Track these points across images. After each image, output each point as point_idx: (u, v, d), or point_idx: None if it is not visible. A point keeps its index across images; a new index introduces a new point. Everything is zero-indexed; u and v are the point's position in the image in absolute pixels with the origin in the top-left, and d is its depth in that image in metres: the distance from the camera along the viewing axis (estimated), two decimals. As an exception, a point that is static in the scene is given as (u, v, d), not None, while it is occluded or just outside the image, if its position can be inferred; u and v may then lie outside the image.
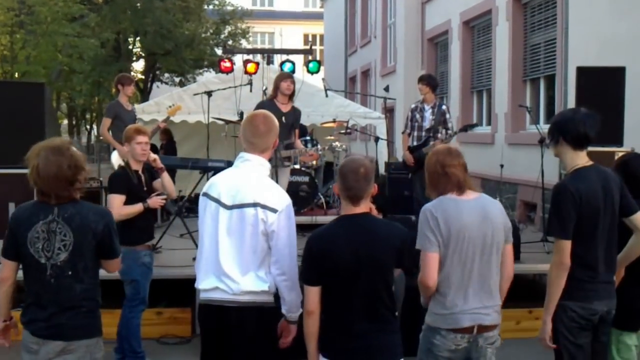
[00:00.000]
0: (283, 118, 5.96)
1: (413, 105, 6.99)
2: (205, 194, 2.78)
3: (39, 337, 2.59)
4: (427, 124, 6.77)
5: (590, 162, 2.97)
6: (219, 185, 2.76)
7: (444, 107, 6.86)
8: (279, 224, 2.66)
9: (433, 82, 6.91)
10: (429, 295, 2.77)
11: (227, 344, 2.73)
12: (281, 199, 2.71)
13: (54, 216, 2.53)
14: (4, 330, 2.78)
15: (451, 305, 2.70)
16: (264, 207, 2.65)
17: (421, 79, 6.93)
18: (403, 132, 7.08)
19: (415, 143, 6.83)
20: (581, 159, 2.95)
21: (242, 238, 2.67)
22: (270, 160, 5.89)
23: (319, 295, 2.58)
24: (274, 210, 2.65)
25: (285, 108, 6.14)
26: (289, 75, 6.37)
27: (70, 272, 2.55)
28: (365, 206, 2.63)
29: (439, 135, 6.74)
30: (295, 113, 6.31)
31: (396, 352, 2.63)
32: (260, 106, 6.06)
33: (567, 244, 2.84)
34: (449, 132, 6.77)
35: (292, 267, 2.74)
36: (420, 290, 2.80)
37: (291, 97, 6.22)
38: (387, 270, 2.61)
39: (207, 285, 2.75)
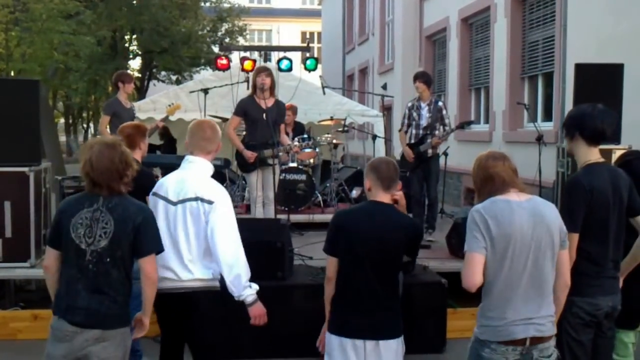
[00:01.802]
0: (264, 115, 5.69)
1: (409, 104, 7.00)
2: (155, 193, 3.10)
3: (76, 325, 2.64)
4: (424, 122, 6.78)
5: (602, 159, 2.96)
6: (167, 184, 3.08)
7: (440, 103, 6.87)
8: (215, 214, 2.95)
9: (429, 79, 6.95)
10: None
11: (178, 327, 3.08)
12: (216, 192, 3.01)
13: (99, 205, 2.69)
14: None
15: (501, 316, 2.51)
16: (202, 199, 2.97)
17: (417, 77, 6.92)
18: (400, 130, 7.06)
19: (412, 141, 6.83)
20: (594, 154, 2.94)
21: (187, 230, 2.99)
22: (263, 161, 5.87)
23: (337, 264, 2.88)
24: (210, 202, 2.96)
25: (266, 103, 5.72)
26: (264, 69, 5.94)
27: (108, 259, 2.67)
28: (389, 198, 2.91)
29: (436, 132, 6.76)
30: (279, 107, 5.95)
31: (398, 331, 2.88)
32: (240, 104, 5.91)
33: (574, 237, 2.82)
34: (447, 128, 6.77)
35: (230, 253, 2.95)
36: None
37: (272, 90, 5.81)
38: (396, 255, 2.85)
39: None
